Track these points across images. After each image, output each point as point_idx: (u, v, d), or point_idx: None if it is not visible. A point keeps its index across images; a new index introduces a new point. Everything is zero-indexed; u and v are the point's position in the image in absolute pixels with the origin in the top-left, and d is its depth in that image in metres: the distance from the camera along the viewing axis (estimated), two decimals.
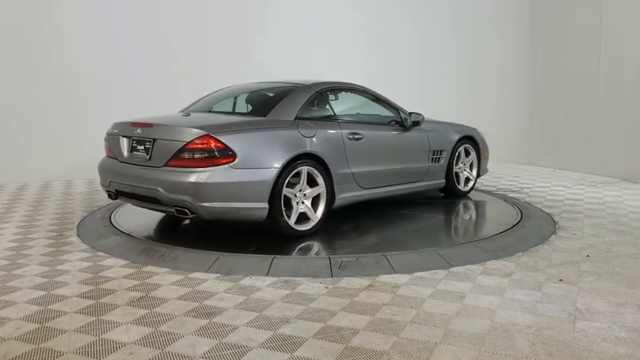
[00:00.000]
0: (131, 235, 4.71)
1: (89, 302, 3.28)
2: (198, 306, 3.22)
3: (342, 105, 5.52)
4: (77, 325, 2.94)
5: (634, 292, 3.42)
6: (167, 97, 8.87)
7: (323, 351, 2.63)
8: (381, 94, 5.92)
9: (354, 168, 5.08)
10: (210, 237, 4.86)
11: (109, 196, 4.96)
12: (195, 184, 4.14)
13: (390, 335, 2.80)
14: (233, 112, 5.49)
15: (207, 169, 4.18)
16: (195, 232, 5.08)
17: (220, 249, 4.21)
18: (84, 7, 8.33)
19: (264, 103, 5.19)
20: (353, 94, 5.71)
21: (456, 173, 6.43)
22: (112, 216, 5.49)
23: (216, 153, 4.21)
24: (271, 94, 5.38)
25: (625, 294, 3.40)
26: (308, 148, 4.65)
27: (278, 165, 4.39)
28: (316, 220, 4.70)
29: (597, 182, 7.80)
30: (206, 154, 4.21)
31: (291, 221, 4.52)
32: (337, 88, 5.55)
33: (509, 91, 10.53)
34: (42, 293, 3.44)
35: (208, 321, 3.00)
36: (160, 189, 4.26)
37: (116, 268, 3.97)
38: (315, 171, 4.69)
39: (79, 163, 8.33)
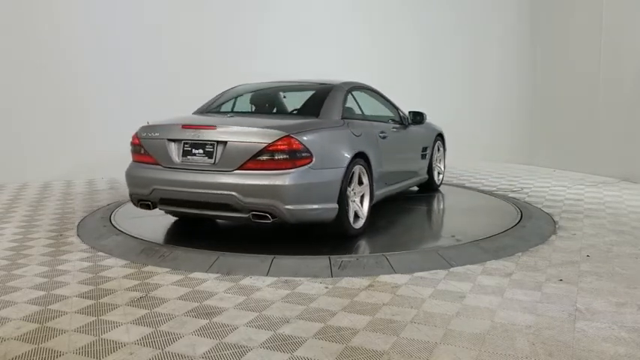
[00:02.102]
0: (131, 235, 4.70)
1: (89, 302, 3.28)
2: (198, 306, 3.22)
3: (362, 104, 5.57)
4: (77, 325, 2.93)
5: (634, 292, 3.42)
6: (167, 98, 8.87)
7: (323, 351, 2.63)
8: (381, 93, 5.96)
9: (384, 166, 5.20)
10: (210, 237, 4.86)
11: (146, 206, 4.59)
12: (281, 186, 4.02)
13: (390, 335, 2.80)
14: (280, 112, 5.34)
15: (290, 170, 4.08)
16: (195, 232, 5.08)
17: (220, 249, 4.21)
18: (84, 8, 8.33)
19: (310, 104, 5.12)
20: (365, 93, 5.75)
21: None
22: (112, 216, 5.49)
23: (297, 154, 4.11)
24: (309, 94, 5.35)
25: (625, 294, 3.40)
26: (360, 148, 4.71)
27: (344, 165, 4.43)
28: (364, 218, 4.76)
29: (597, 182, 7.80)
30: (287, 156, 4.09)
31: (351, 220, 4.56)
32: (357, 88, 5.58)
33: (509, 91, 10.53)
34: (42, 293, 3.44)
35: (208, 321, 3.00)
36: (235, 194, 4.07)
37: (116, 268, 3.97)
38: (363, 169, 4.74)
39: (78, 163, 8.34)
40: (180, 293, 3.43)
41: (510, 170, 9.25)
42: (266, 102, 5.57)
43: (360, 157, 4.69)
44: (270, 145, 4.08)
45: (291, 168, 4.08)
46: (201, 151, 4.31)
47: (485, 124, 10.55)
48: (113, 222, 5.21)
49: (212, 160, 4.25)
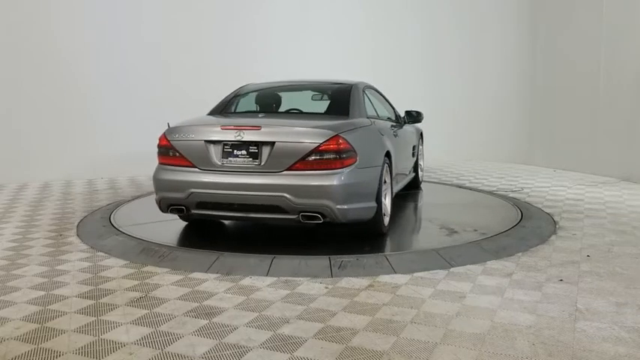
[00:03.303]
0: (131, 235, 4.69)
1: (89, 302, 3.28)
2: (198, 306, 3.21)
3: (372, 103, 5.62)
4: (77, 325, 2.93)
5: (634, 292, 3.42)
6: (167, 98, 8.88)
7: (323, 351, 2.62)
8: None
9: (398, 164, 5.26)
10: (210, 237, 4.86)
11: (178, 211, 4.40)
12: (334, 186, 4.02)
13: (390, 335, 2.80)
14: (309, 112, 5.30)
15: (340, 170, 4.08)
16: (195, 232, 5.07)
17: (220, 249, 4.21)
18: (84, 8, 8.33)
19: (335, 103, 5.13)
20: (371, 92, 5.77)
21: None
22: (112, 216, 5.49)
23: (345, 154, 4.12)
24: (330, 94, 5.38)
25: (625, 294, 3.39)
26: (387, 146, 4.78)
27: (380, 163, 4.48)
28: (389, 216, 4.83)
29: (597, 182, 7.80)
30: (336, 156, 4.08)
31: (383, 218, 4.61)
32: (367, 87, 5.62)
33: (509, 91, 10.53)
34: (42, 293, 3.44)
35: (208, 321, 2.99)
36: (286, 195, 4.01)
37: (116, 268, 3.96)
38: (387, 168, 4.77)
39: (78, 163, 8.34)
40: (180, 293, 3.43)
41: (510, 170, 9.25)
42: (288, 102, 5.56)
43: (387, 155, 4.77)
44: (321, 145, 4.06)
45: (340, 168, 4.08)
46: (244, 152, 4.19)
47: (485, 124, 10.55)
48: (113, 222, 5.21)
49: (258, 162, 4.15)
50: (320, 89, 5.66)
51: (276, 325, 2.93)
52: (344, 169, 4.09)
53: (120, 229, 4.93)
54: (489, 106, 10.56)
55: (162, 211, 4.50)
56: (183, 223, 5.21)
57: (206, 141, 4.28)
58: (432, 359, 2.54)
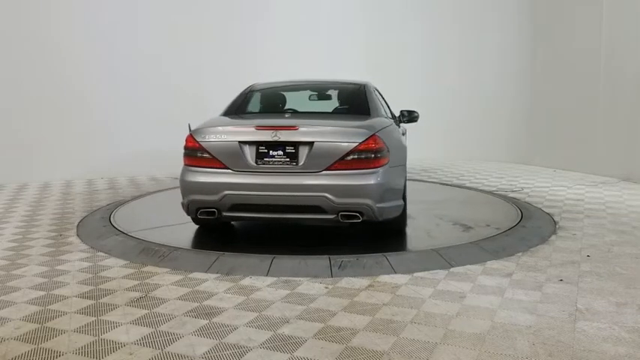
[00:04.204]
0: (131, 235, 4.69)
1: (89, 302, 3.28)
2: (198, 306, 3.21)
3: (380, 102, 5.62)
4: (77, 325, 2.93)
5: (634, 292, 3.42)
6: (168, 98, 8.88)
7: (323, 351, 2.62)
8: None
9: (407, 163, 5.29)
10: (209, 237, 4.86)
11: (209, 214, 4.25)
12: (373, 185, 4.06)
13: (390, 335, 2.80)
14: (334, 112, 5.29)
15: (377, 169, 4.12)
16: (195, 232, 5.07)
17: (220, 249, 4.21)
18: (85, 9, 8.33)
19: (354, 103, 5.14)
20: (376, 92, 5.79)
21: None
22: (112, 216, 5.49)
23: (380, 153, 4.16)
24: (345, 93, 5.41)
25: (625, 294, 3.39)
26: (406, 145, 4.87)
27: (405, 162, 4.53)
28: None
29: (597, 182, 7.80)
30: (373, 155, 4.12)
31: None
32: (374, 86, 5.66)
33: (509, 91, 10.53)
34: (42, 293, 3.43)
35: (208, 321, 2.99)
36: (327, 195, 4.01)
37: (116, 268, 3.96)
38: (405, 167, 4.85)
39: (79, 163, 8.33)
40: (180, 293, 3.43)
41: (510, 170, 9.25)
42: (301, 102, 5.59)
43: None
44: (360, 144, 4.09)
45: (377, 167, 4.13)
46: (280, 152, 4.15)
47: (485, 124, 10.54)
48: (113, 222, 5.21)
49: (295, 162, 4.13)
50: (332, 89, 5.66)
51: (276, 325, 2.92)
52: (380, 168, 4.14)
53: (120, 229, 4.92)
54: (489, 106, 10.55)
55: (190, 214, 4.40)
56: (184, 224, 5.20)
57: (240, 142, 4.21)
58: (432, 359, 2.54)
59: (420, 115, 6.04)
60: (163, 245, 4.35)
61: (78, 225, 5.28)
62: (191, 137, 4.37)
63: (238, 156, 4.19)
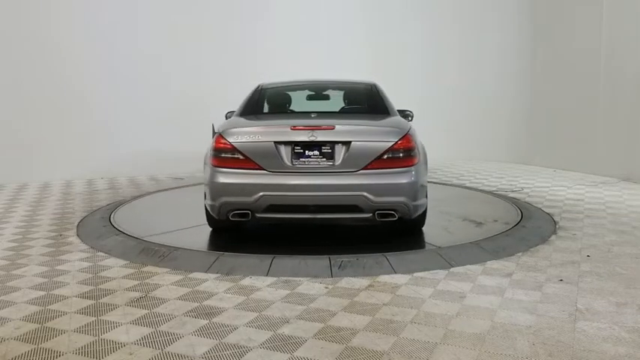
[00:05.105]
0: (131, 235, 4.69)
1: (89, 302, 3.28)
2: (198, 306, 3.21)
3: None
4: (77, 325, 2.93)
5: (634, 292, 3.42)
6: (168, 98, 8.88)
7: (323, 351, 2.62)
8: None
9: None
10: (209, 237, 4.85)
11: (242, 216, 4.20)
12: (409, 183, 4.16)
13: (390, 335, 2.80)
14: (354, 111, 5.31)
15: (410, 168, 4.21)
16: (195, 232, 5.07)
17: (220, 249, 4.20)
18: (85, 10, 8.33)
19: (371, 102, 5.19)
20: None
21: None
22: (112, 216, 5.49)
23: (412, 152, 4.25)
24: (361, 93, 5.41)
25: (625, 294, 3.39)
26: None
27: (427, 160, 4.58)
28: None
29: (597, 182, 7.80)
30: (406, 154, 4.22)
31: None
32: None
33: (509, 91, 10.53)
34: (42, 293, 3.43)
35: (208, 321, 2.99)
36: (365, 194, 4.06)
37: (116, 268, 3.96)
38: None
39: (79, 163, 8.33)
40: (180, 293, 3.43)
41: (510, 170, 9.25)
42: (319, 101, 5.60)
43: None
44: (395, 143, 4.17)
45: (410, 166, 4.21)
46: (316, 152, 4.16)
47: (485, 124, 10.54)
48: (113, 222, 5.21)
49: (332, 162, 4.16)
50: (343, 88, 5.67)
51: (276, 325, 2.92)
52: (413, 167, 4.24)
53: (120, 229, 4.92)
54: (489, 106, 10.55)
55: (220, 217, 4.31)
56: (184, 224, 5.20)
57: (276, 142, 4.18)
58: (432, 359, 2.54)
59: (414, 114, 6.04)
60: (163, 245, 4.35)
61: (78, 225, 5.28)
62: (221, 138, 4.28)
63: (274, 156, 4.16)
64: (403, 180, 4.14)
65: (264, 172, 4.17)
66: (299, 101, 5.52)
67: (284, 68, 8.30)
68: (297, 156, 4.18)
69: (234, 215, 4.21)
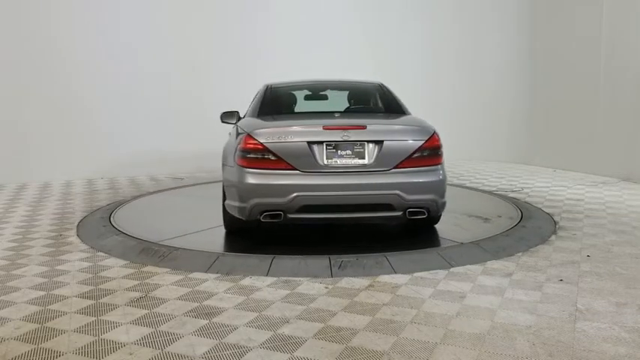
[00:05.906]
0: (131, 235, 4.69)
1: (89, 302, 3.28)
2: (198, 306, 3.21)
3: None
4: (77, 326, 2.93)
5: (634, 292, 3.42)
6: (168, 98, 8.87)
7: (323, 351, 2.62)
8: None
9: None
10: (209, 237, 4.85)
11: (274, 217, 4.12)
12: (438, 182, 4.28)
13: (390, 335, 2.80)
14: (374, 111, 5.32)
15: (438, 166, 4.34)
16: (195, 232, 5.07)
17: (220, 249, 4.20)
18: (88, 10, 8.33)
19: (385, 102, 5.23)
20: None
21: None
22: (112, 216, 5.49)
23: (439, 151, 4.37)
24: (373, 93, 5.44)
25: (625, 294, 3.39)
26: None
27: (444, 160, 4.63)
28: None
29: (597, 182, 7.80)
30: (434, 152, 4.34)
31: None
32: None
33: (509, 91, 10.53)
34: (42, 293, 3.44)
35: (208, 321, 2.99)
36: (399, 192, 4.12)
37: (116, 268, 3.96)
38: None
39: (79, 163, 8.34)
40: (179, 293, 3.43)
41: (510, 170, 9.25)
42: (331, 100, 5.64)
43: None
44: (425, 142, 4.27)
45: (438, 164, 4.33)
46: (348, 152, 4.18)
47: (485, 124, 10.54)
48: (113, 222, 5.20)
49: (364, 161, 4.19)
50: (353, 88, 5.70)
51: (276, 325, 2.92)
52: (440, 165, 4.37)
53: (120, 229, 4.91)
54: (489, 106, 10.55)
55: (251, 218, 4.20)
56: (183, 224, 5.20)
57: (309, 142, 4.16)
58: (432, 359, 2.54)
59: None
60: (163, 245, 4.35)
61: (78, 225, 5.28)
62: (251, 138, 4.21)
63: (307, 156, 4.14)
64: (433, 178, 4.26)
65: (297, 172, 4.14)
66: (309, 101, 5.54)
67: (284, 68, 8.30)
68: (329, 156, 4.18)
69: (265, 217, 4.15)
